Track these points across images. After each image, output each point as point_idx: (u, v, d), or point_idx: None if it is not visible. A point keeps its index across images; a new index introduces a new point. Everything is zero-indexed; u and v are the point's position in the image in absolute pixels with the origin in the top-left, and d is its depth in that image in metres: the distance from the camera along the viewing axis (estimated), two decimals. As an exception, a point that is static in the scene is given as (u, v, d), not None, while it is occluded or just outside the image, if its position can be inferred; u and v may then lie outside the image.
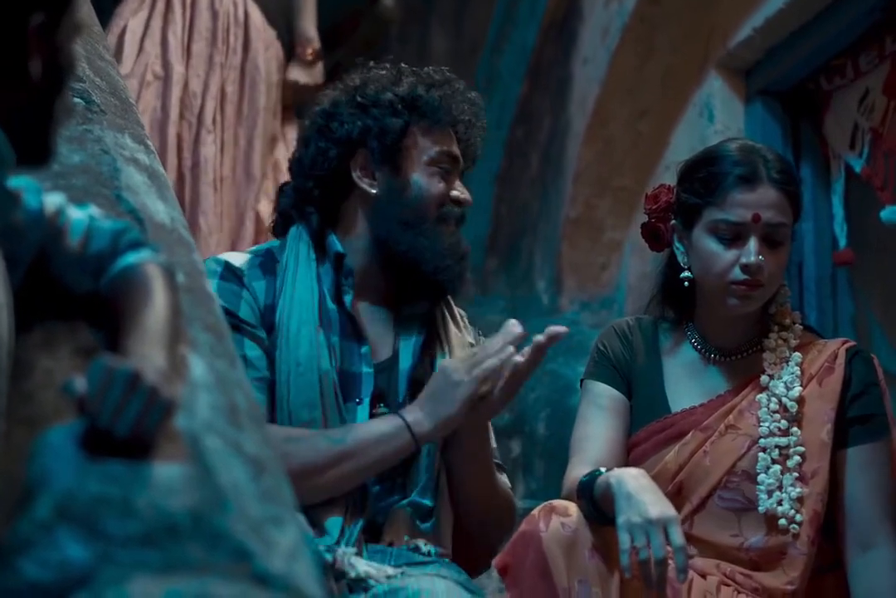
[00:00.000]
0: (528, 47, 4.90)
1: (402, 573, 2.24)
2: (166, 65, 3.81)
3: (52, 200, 1.67)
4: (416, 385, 2.43)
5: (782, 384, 2.45)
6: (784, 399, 2.43)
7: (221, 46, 3.90)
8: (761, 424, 2.42)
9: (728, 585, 2.37)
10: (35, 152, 1.57)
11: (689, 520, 2.42)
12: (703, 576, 2.36)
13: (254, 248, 2.57)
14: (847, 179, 3.80)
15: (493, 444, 2.58)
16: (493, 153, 5.11)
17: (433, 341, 2.48)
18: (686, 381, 2.54)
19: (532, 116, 4.98)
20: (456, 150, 2.50)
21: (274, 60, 4.04)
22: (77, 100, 2.38)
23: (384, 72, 2.53)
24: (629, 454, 2.50)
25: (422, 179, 2.45)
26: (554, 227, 4.75)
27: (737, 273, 2.41)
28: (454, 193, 2.49)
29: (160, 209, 2.10)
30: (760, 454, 2.40)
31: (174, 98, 3.78)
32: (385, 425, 2.31)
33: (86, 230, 1.68)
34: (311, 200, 2.49)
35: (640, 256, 4.48)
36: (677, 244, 2.53)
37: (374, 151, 2.45)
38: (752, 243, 2.40)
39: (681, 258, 2.51)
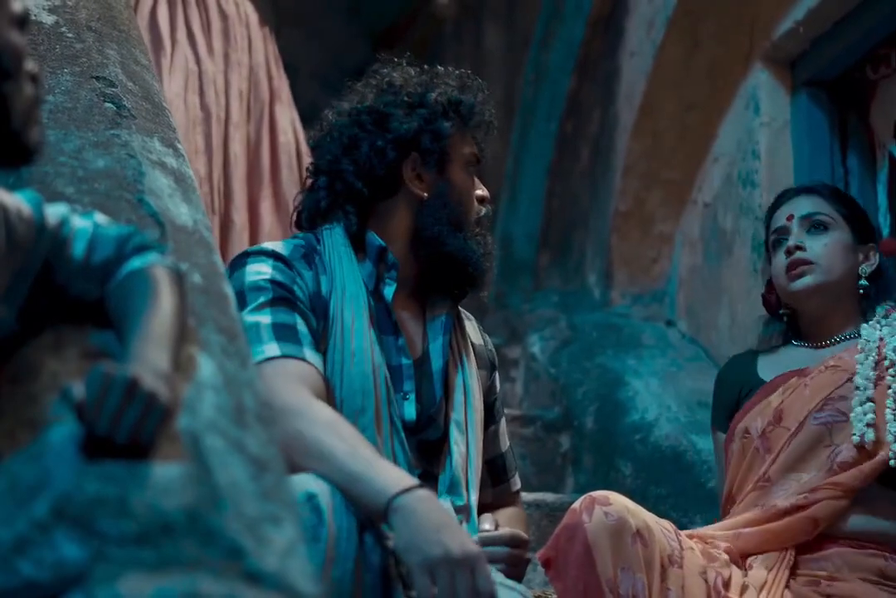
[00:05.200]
0: (576, 41, 4.89)
1: None
2: (199, 60, 3.83)
3: (55, 212, 1.71)
4: (445, 384, 2.45)
5: (876, 335, 2.64)
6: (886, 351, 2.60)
7: (234, 44, 3.93)
8: (858, 363, 2.59)
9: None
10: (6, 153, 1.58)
11: (786, 444, 2.58)
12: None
13: (288, 240, 2.52)
14: (891, 168, 3.78)
15: (508, 449, 2.66)
16: (544, 147, 5.11)
17: (457, 341, 2.51)
18: (783, 366, 2.75)
19: (581, 109, 4.98)
20: (479, 151, 2.54)
21: (271, 56, 4.07)
22: (108, 105, 2.42)
23: (414, 71, 2.54)
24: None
25: (463, 182, 2.49)
26: (604, 220, 4.74)
27: (785, 261, 2.72)
28: (479, 192, 2.53)
29: (183, 212, 2.13)
30: (857, 391, 2.55)
31: (210, 95, 3.81)
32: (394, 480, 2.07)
33: (90, 239, 1.71)
34: (357, 199, 2.47)
35: (690, 249, 4.48)
36: None
37: (424, 153, 2.46)
38: (794, 233, 2.73)
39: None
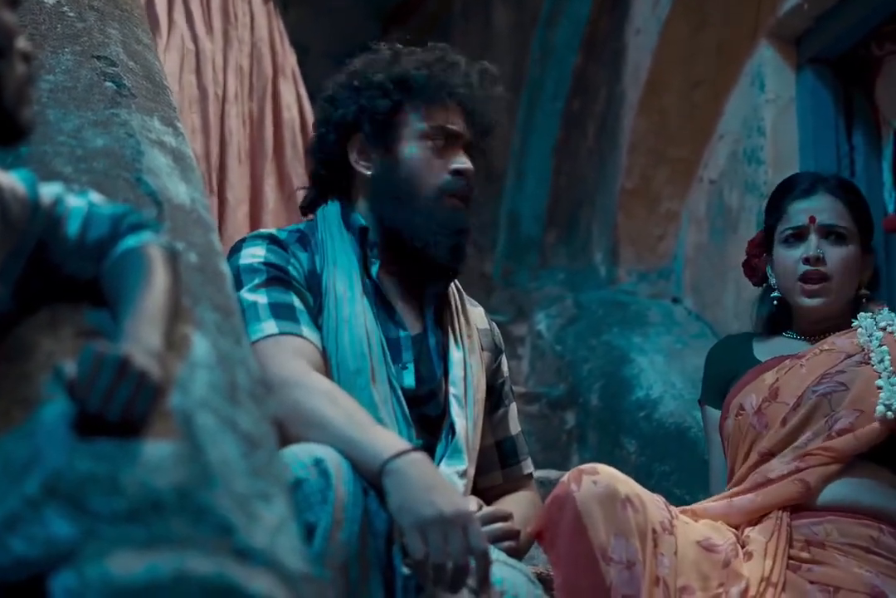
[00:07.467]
0: (582, 19, 4.87)
1: None
2: (196, 38, 3.81)
3: (49, 191, 1.72)
4: (445, 361, 2.47)
5: (873, 321, 2.67)
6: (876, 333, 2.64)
7: (234, 21, 3.91)
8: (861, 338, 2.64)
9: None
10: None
11: (787, 418, 2.59)
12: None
13: (286, 227, 2.61)
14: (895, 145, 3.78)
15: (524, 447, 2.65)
16: (551, 125, 5.11)
17: (455, 320, 2.51)
18: (778, 352, 2.76)
19: (588, 87, 4.97)
20: (452, 124, 2.49)
21: (276, 32, 4.06)
22: (108, 84, 2.43)
23: (388, 53, 2.56)
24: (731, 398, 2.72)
25: (413, 155, 2.47)
26: (611, 198, 4.74)
27: (801, 267, 2.70)
28: (454, 165, 2.47)
29: (181, 191, 2.14)
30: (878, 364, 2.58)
31: (208, 73, 3.80)
32: (387, 445, 2.13)
33: (84, 218, 1.72)
34: (325, 183, 2.56)
35: (696, 226, 4.48)
36: (769, 273, 2.84)
37: (367, 133, 2.49)
38: (812, 239, 2.72)
39: (772, 282, 2.82)
